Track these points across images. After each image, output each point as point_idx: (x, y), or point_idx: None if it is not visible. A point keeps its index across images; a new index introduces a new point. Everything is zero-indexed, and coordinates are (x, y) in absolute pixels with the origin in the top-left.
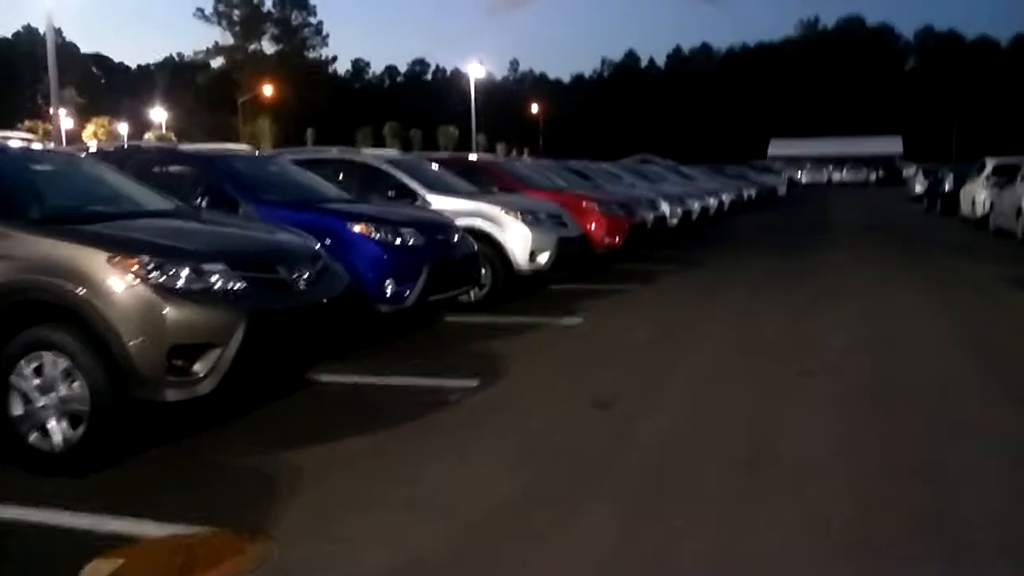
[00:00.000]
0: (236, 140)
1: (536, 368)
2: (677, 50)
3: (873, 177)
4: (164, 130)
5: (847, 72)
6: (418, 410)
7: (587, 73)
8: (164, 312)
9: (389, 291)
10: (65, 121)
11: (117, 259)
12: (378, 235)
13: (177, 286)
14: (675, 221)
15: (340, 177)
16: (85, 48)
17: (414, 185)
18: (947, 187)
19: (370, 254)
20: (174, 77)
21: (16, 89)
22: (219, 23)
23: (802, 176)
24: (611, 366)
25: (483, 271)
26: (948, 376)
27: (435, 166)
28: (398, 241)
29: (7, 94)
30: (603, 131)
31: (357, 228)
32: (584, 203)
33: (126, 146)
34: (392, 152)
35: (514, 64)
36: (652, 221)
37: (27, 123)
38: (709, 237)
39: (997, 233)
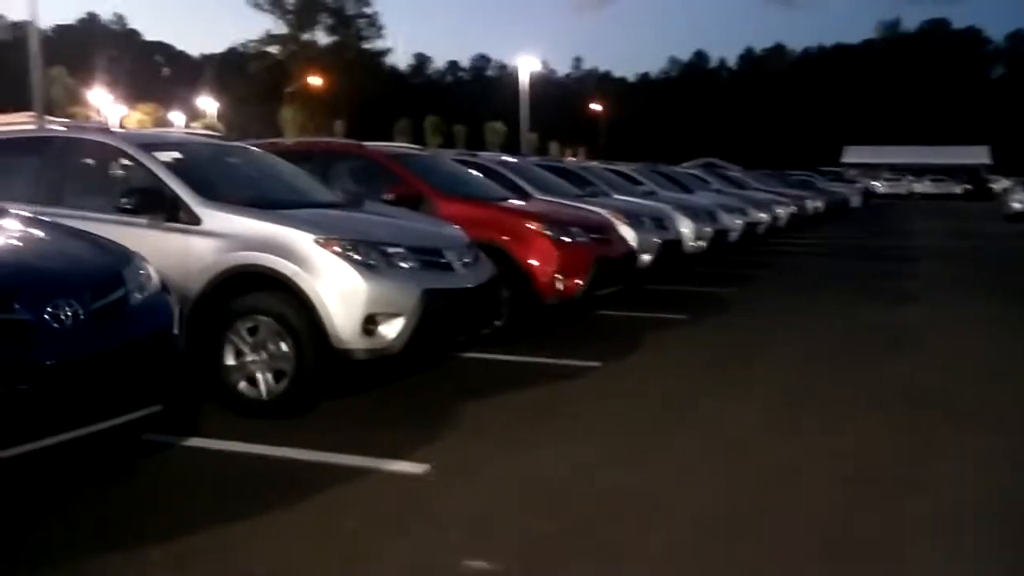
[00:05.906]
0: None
1: None
2: (749, 51)
3: (958, 189)
4: (215, 119)
5: (930, 77)
6: None
7: (654, 73)
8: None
9: None
10: (116, 108)
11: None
12: None
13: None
14: (701, 244)
15: (66, 167)
16: (149, 36)
17: (179, 188)
18: None
19: None
20: (230, 66)
21: (72, 74)
22: (272, 12)
23: (879, 186)
24: None
25: (283, 349)
26: None
27: (264, 157)
28: None
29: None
30: (669, 133)
31: None
32: (527, 224)
33: None
34: (174, 132)
35: (577, 61)
36: (657, 248)
37: (68, 109)
38: (749, 268)
39: None
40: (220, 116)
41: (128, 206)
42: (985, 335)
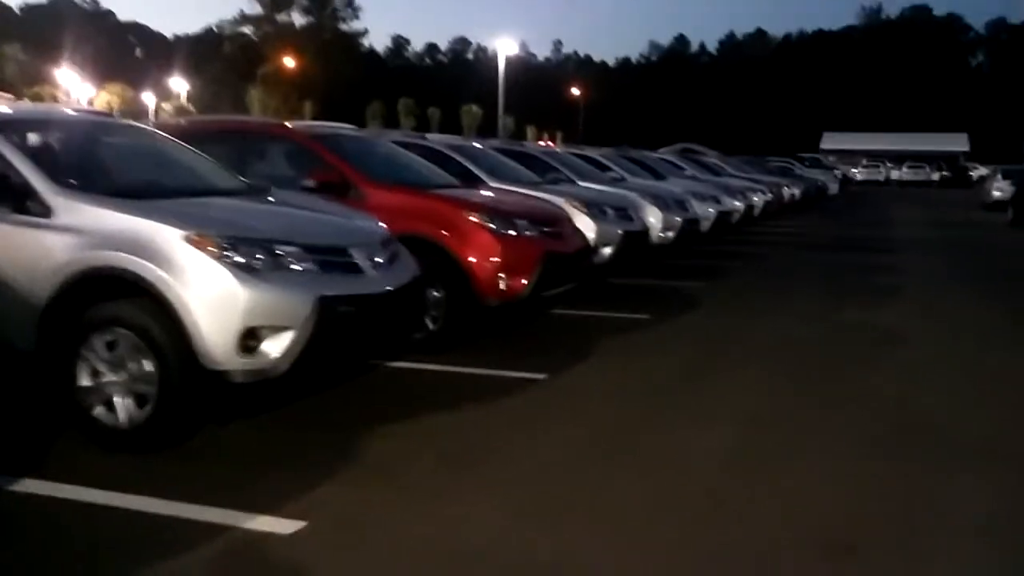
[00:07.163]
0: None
1: None
2: (730, 35)
3: (936, 176)
4: (185, 101)
5: (910, 64)
6: None
7: (634, 57)
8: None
9: None
10: (84, 88)
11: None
12: None
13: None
14: (670, 235)
15: None
16: (123, 16)
17: (30, 173)
18: None
19: None
20: (205, 47)
21: (39, 54)
22: None
23: (857, 173)
24: None
25: (146, 368)
26: None
27: (156, 139)
28: None
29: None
30: (648, 118)
31: None
32: (466, 214)
33: None
34: (51, 108)
35: (557, 45)
36: (620, 240)
37: (33, 88)
38: (720, 259)
39: None
40: (191, 97)
41: None
42: (976, 339)
